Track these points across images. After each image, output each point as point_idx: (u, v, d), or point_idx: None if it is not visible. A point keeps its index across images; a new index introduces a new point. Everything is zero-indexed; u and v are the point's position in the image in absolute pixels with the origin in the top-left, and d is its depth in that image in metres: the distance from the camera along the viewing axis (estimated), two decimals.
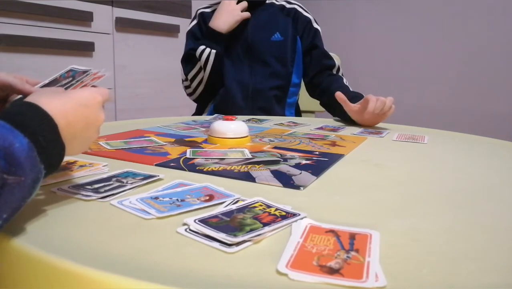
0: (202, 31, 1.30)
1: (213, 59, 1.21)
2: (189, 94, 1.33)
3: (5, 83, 0.49)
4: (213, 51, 1.21)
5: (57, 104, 0.37)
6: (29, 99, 0.37)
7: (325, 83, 1.27)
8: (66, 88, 0.48)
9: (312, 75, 1.31)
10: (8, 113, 0.33)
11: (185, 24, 2.25)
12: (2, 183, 0.29)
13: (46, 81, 0.53)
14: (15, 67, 1.60)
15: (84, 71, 0.52)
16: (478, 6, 2.26)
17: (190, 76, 1.26)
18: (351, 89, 1.20)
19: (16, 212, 0.31)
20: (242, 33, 1.25)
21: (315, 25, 1.32)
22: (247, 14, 1.23)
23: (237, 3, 1.23)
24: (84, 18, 1.82)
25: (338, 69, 1.32)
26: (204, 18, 1.31)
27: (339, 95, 1.05)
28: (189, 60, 1.28)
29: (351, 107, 1.05)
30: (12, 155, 0.30)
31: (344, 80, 1.27)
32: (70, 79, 0.51)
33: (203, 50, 1.21)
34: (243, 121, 0.87)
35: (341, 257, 0.30)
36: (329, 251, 0.31)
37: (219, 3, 1.32)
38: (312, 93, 1.35)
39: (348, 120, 1.12)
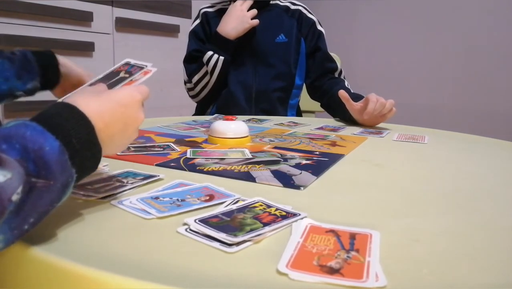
0: (205, 31, 1.29)
1: (221, 66, 1.20)
2: (192, 97, 1.33)
3: (80, 78, 0.49)
4: (221, 58, 1.20)
5: (95, 106, 0.36)
6: (68, 100, 0.36)
7: (327, 86, 1.27)
8: (119, 83, 0.48)
9: (314, 77, 1.31)
10: (43, 115, 0.33)
11: (185, 24, 2.26)
12: (30, 187, 0.28)
13: (101, 76, 0.51)
14: None
15: (140, 67, 0.51)
16: (478, 6, 2.26)
17: (194, 80, 1.25)
18: (352, 92, 1.20)
19: (43, 216, 0.31)
20: (246, 34, 1.25)
21: (319, 27, 1.32)
22: (256, 22, 1.21)
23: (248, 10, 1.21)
24: (84, 18, 1.82)
25: (340, 73, 1.32)
26: (207, 18, 1.30)
27: (342, 93, 1.04)
28: (192, 61, 1.27)
29: (353, 106, 1.04)
30: (42, 158, 0.29)
31: (346, 83, 1.27)
32: (126, 75, 0.50)
33: (211, 56, 1.20)
34: (243, 121, 0.87)
35: (341, 257, 0.30)
36: (329, 251, 0.31)
37: (222, 2, 1.32)
38: (313, 95, 1.35)
39: (348, 120, 1.12)
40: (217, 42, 1.21)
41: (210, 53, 1.20)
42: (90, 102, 0.37)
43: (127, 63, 0.52)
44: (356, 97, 1.10)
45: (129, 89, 0.42)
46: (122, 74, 0.50)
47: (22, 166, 0.28)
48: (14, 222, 0.28)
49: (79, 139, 0.33)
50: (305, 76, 1.34)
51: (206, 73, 1.23)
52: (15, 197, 0.27)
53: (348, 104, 1.06)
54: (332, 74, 1.30)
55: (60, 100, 0.38)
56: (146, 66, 0.50)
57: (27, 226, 0.29)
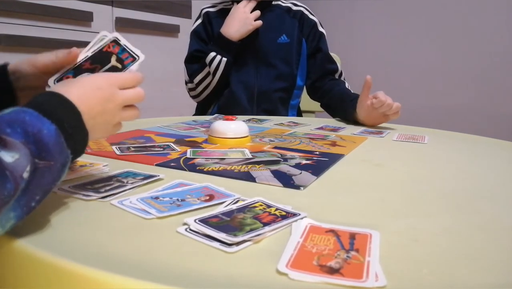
0: (207, 31, 1.29)
1: (223, 68, 1.20)
2: (193, 97, 1.32)
3: (45, 70, 0.50)
4: (224, 59, 1.20)
5: (76, 92, 0.39)
6: (52, 89, 0.39)
7: (327, 86, 1.27)
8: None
9: (314, 78, 1.31)
10: (35, 103, 0.35)
11: (185, 24, 2.26)
12: (34, 168, 0.31)
13: (89, 55, 0.50)
14: None
15: (132, 57, 0.51)
16: (478, 6, 2.26)
17: (196, 80, 1.25)
18: (352, 92, 1.20)
19: (47, 194, 0.33)
20: (248, 34, 1.25)
21: (321, 29, 1.32)
22: (259, 23, 1.20)
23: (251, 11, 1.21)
24: (84, 18, 1.82)
25: (341, 74, 1.32)
26: (209, 18, 1.30)
27: (369, 79, 1.01)
28: (193, 61, 1.27)
29: (366, 96, 1.01)
30: (41, 141, 0.32)
31: (346, 85, 1.27)
32: (118, 64, 0.50)
33: (214, 58, 1.20)
34: (243, 121, 0.87)
35: (341, 257, 0.30)
36: (329, 251, 0.31)
37: (223, 2, 1.32)
38: (313, 96, 1.35)
39: (348, 120, 1.12)
40: (220, 43, 1.21)
41: (213, 54, 1.20)
42: (71, 90, 0.39)
43: (116, 43, 0.51)
44: (356, 97, 1.10)
45: (104, 74, 0.45)
46: (113, 62, 0.50)
47: (27, 147, 0.31)
48: (23, 199, 0.30)
49: (69, 124, 0.36)
50: (305, 77, 1.34)
51: (208, 74, 1.23)
52: (25, 175, 0.30)
53: (365, 90, 1.02)
54: (332, 76, 1.30)
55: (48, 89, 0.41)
56: (139, 57, 0.50)
57: (34, 203, 0.32)
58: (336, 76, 1.31)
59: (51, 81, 0.49)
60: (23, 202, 0.30)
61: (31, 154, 0.31)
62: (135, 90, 0.46)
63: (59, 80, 0.48)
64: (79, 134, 0.38)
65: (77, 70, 0.49)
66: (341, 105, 1.16)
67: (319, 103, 1.34)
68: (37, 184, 0.31)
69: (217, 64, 1.20)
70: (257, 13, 1.20)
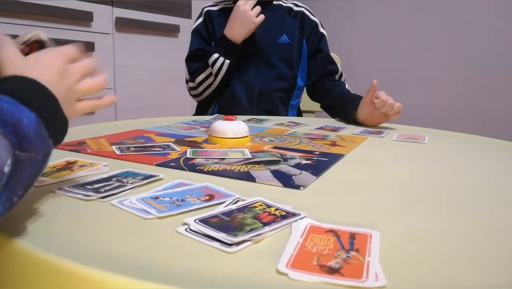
0: (208, 30, 1.29)
1: (226, 69, 1.21)
2: (194, 96, 1.32)
3: None
4: (227, 61, 1.20)
5: (44, 74, 0.36)
6: (18, 72, 0.36)
7: (327, 87, 1.27)
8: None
9: (314, 79, 1.31)
10: (8, 89, 0.32)
11: (185, 24, 2.26)
12: (15, 160, 0.28)
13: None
14: None
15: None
16: (478, 6, 2.26)
17: (198, 80, 1.25)
18: (352, 93, 1.20)
19: (29, 188, 0.31)
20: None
21: (321, 30, 1.32)
22: (261, 18, 1.19)
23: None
24: (84, 18, 1.82)
25: (341, 75, 1.32)
26: (210, 17, 1.29)
27: (376, 83, 1.01)
28: (194, 60, 1.27)
29: (370, 99, 1.00)
30: (21, 131, 0.29)
31: (346, 86, 1.27)
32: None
33: (217, 59, 1.20)
34: (243, 121, 0.87)
35: (341, 257, 0.30)
36: (329, 251, 0.31)
37: (225, 1, 1.32)
38: (313, 96, 1.35)
39: (348, 121, 1.12)
40: (224, 45, 1.20)
41: (216, 55, 1.20)
42: (36, 71, 0.36)
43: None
44: (356, 98, 1.10)
45: (50, 50, 0.41)
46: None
47: (6, 138, 0.28)
48: (4, 195, 0.28)
49: (48, 111, 0.33)
50: (305, 78, 1.34)
51: (210, 75, 1.23)
52: (6, 168, 0.27)
53: (369, 93, 1.01)
54: (332, 77, 1.30)
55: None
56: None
57: (16, 198, 0.30)
58: (336, 77, 1.31)
59: None
60: (4, 198, 0.28)
61: (11, 146, 0.28)
62: (84, 62, 0.43)
63: None
64: (58, 122, 0.35)
65: None
66: (341, 105, 1.16)
67: (319, 104, 1.34)
68: (19, 178, 0.29)
69: (220, 66, 1.20)
70: (258, 9, 1.19)
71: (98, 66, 0.45)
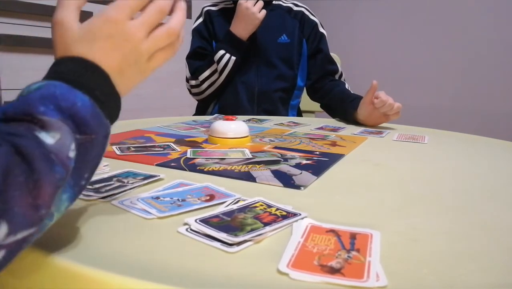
0: (208, 30, 1.29)
1: (231, 66, 1.21)
2: (195, 94, 1.32)
3: None
4: (233, 58, 1.20)
5: (96, 49, 0.34)
6: (67, 46, 0.34)
7: (327, 87, 1.27)
8: None
9: (314, 79, 1.31)
10: (59, 72, 0.32)
11: (185, 24, 2.26)
12: (77, 144, 0.29)
13: None
14: (15, 67, 1.60)
15: None
16: (478, 6, 2.26)
17: (202, 77, 1.25)
18: (352, 93, 1.20)
19: (94, 170, 0.31)
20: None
21: (321, 30, 1.32)
22: (264, 13, 1.19)
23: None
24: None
25: (341, 75, 1.32)
26: (210, 16, 1.30)
27: (376, 84, 1.01)
28: (196, 58, 1.27)
29: (370, 99, 1.01)
30: (77, 114, 0.29)
31: (346, 85, 1.27)
32: None
33: (223, 56, 1.20)
34: (244, 121, 0.87)
35: (342, 257, 0.30)
36: (330, 251, 0.31)
37: (225, 1, 1.32)
38: (313, 96, 1.35)
39: (348, 120, 1.12)
40: (231, 42, 1.21)
41: (222, 52, 1.20)
42: (87, 47, 0.34)
43: None
44: (356, 98, 1.10)
45: (105, 14, 0.36)
46: None
47: (66, 123, 0.28)
48: (72, 180, 0.29)
49: (101, 91, 0.33)
50: (305, 78, 1.34)
51: (215, 72, 1.23)
52: (71, 154, 0.28)
53: (369, 93, 1.01)
54: (332, 77, 1.30)
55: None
56: None
57: (83, 182, 0.30)
58: (336, 77, 1.31)
59: None
60: (73, 182, 0.29)
61: (71, 131, 0.28)
62: (153, 7, 0.37)
63: None
64: (112, 100, 0.34)
65: None
66: (341, 105, 1.16)
67: (319, 104, 1.34)
68: (83, 161, 0.29)
69: (226, 62, 1.20)
70: (260, 4, 1.19)
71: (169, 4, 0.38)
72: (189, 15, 2.27)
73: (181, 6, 0.40)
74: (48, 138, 0.27)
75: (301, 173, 0.55)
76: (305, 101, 1.43)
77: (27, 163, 0.25)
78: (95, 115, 0.30)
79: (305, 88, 1.36)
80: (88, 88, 0.31)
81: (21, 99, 0.28)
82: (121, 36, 0.35)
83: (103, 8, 0.37)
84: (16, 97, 0.29)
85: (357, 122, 1.09)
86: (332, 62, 1.32)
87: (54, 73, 0.32)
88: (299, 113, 1.41)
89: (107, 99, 0.33)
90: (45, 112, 0.27)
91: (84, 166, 0.30)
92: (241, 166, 0.57)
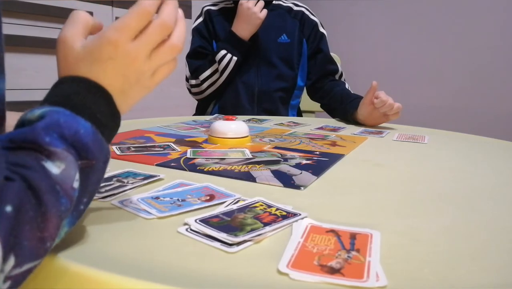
0: (208, 30, 1.29)
1: (232, 66, 1.21)
2: (195, 94, 1.31)
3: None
4: (235, 58, 1.20)
5: (100, 68, 0.34)
6: (70, 71, 0.34)
7: (327, 87, 1.27)
8: None
9: (314, 79, 1.31)
10: (61, 96, 0.32)
11: (185, 24, 2.26)
12: (78, 170, 0.29)
13: None
14: (15, 67, 1.60)
15: None
16: (479, 6, 2.26)
17: (202, 77, 1.25)
18: (352, 93, 1.20)
19: (93, 195, 0.32)
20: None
21: (321, 29, 1.32)
22: (265, 13, 1.20)
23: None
24: None
25: (341, 75, 1.32)
26: (210, 16, 1.30)
27: (376, 84, 1.01)
28: (196, 57, 1.27)
29: (370, 99, 1.01)
30: (79, 142, 0.29)
31: (346, 85, 1.27)
32: None
33: (224, 56, 1.20)
34: (244, 121, 0.87)
35: (342, 257, 0.30)
36: (330, 251, 0.31)
37: (225, 1, 1.32)
38: (313, 96, 1.35)
39: (348, 120, 1.12)
40: (232, 42, 1.21)
41: (223, 52, 1.20)
42: (90, 68, 0.34)
43: None
44: (356, 98, 1.11)
45: (106, 36, 0.34)
46: None
47: (70, 152, 0.29)
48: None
49: (102, 113, 0.33)
50: (305, 78, 1.34)
51: (216, 71, 1.23)
52: (76, 184, 0.28)
53: (369, 94, 1.01)
54: (332, 77, 1.30)
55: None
56: None
57: (82, 206, 0.30)
58: (336, 77, 1.31)
59: None
60: (72, 208, 0.29)
61: (75, 159, 0.29)
62: (152, 27, 0.36)
63: None
64: (113, 121, 0.34)
65: None
66: (341, 105, 1.16)
67: (319, 104, 1.34)
68: (83, 187, 0.30)
69: (227, 62, 1.20)
70: (261, 3, 1.20)
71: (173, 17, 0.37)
72: (188, 15, 2.27)
73: (181, 16, 0.40)
74: (54, 168, 0.27)
75: (301, 173, 0.55)
76: (305, 101, 1.43)
77: (36, 197, 0.25)
78: (96, 141, 0.31)
79: (305, 88, 1.36)
80: (90, 113, 0.32)
81: (27, 128, 0.28)
82: (122, 58, 0.35)
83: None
84: (18, 120, 0.30)
85: (357, 122, 1.09)
86: (332, 62, 1.32)
87: (56, 96, 0.32)
88: (299, 113, 1.41)
89: (108, 120, 0.34)
90: (51, 142, 0.28)
91: (84, 191, 0.30)
92: (241, 166, 0.57)
